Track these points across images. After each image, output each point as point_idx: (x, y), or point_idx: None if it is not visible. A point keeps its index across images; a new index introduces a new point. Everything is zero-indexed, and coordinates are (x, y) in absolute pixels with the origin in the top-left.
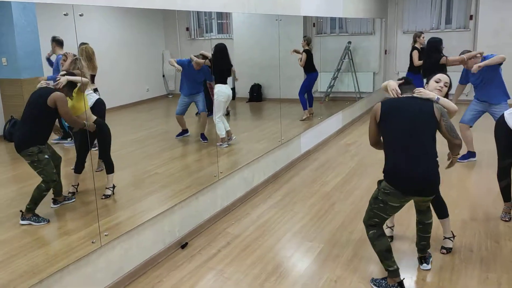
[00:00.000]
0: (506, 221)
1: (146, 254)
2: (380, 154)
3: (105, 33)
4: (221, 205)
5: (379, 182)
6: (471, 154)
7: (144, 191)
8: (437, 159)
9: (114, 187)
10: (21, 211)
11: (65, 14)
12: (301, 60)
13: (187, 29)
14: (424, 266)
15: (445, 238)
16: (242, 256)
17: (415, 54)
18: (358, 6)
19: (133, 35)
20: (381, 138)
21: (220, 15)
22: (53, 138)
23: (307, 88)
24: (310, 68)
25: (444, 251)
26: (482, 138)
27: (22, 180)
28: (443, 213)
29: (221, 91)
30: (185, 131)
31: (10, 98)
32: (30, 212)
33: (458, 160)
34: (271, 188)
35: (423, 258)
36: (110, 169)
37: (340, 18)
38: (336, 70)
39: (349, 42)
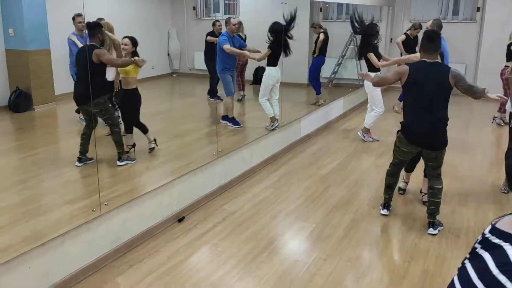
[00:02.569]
0: (504, 193)
1: (144, 225)
2: (375, 144)
3: (113, 9)
4: (218, 183)
5: (398, 131)
6: None
7: (146, 165)
8: (447, 122)
9: (155, 140)
10: (118, 156)
11: None
12: (318, 40)
13: (194, 8)
14: (431, 230)
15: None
16: (237, 231)
17: (402, 37)
18: None
19: (140, 12)
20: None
21: None
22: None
23: (316, 72)
24: (322, 51)
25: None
26: (478, 130)
27: (26, 150)
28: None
29: (272, 75)
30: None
31: (15, 69)
32: (124, 154)
33: None
34: (268, 169)
35: (431, 223)
36: (144, 130)
37: (347, 4)
38: (340, 56)
39: None
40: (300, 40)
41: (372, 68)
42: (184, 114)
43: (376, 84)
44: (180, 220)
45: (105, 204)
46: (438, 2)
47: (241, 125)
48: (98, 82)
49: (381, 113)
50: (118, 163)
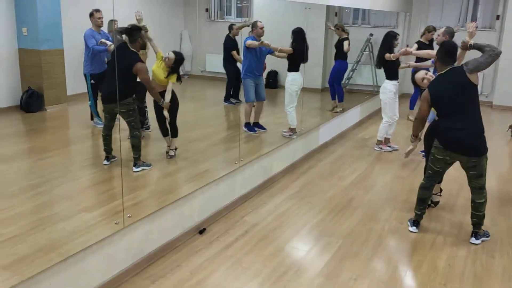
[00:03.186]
0: None
1: (166, 237)
2: (396, 154)
3: (126, 10)
4: (239, 193)
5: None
6: None
7: (163, 172)
8: (482, 126)
9: (176, 148)
10: (134, 161)
11: None
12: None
13: (207, 10)
14: (473, 240)
15: (433, 194)
16: (260, 246)
17: (414, 47)
18: None
19: (152, 13)
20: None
21: None
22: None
23: (337, 77)
24: (341, 55)
25: (432, 205)
26: (499, 140)
27: (38, 152)
28: None
29: (295, 80)
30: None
31: (28, 68)
32: (140, 160)
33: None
34: (288, 178)
35: (474, 232)
36: (175, 133)
37: (363, 9)
38: (355, 62)
39: (371, 34)
40: (315, 44)
41: (390, 74)
42: (198, 118)
43: (419, 122)
44: (201, 232)
45: (128, 217)
46: (457, 9)
47: (257, 132)
48: (132, 82)
49: (390, 122)
50: (134, 169)
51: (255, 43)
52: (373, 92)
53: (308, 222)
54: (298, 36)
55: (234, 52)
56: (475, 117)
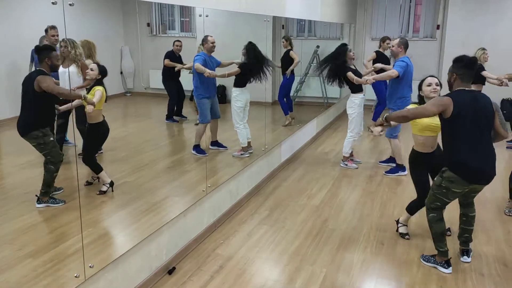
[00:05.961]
0: (509, 215)
1: (132, 283)
2: (359, 167)
3: (60, 26)
4: (207, 222)
5: (443, 171)
6: (400, 167)
7: (117, 203)
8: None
9: (112, 184)
10: (36, 195)
11: (53, 3)
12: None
13: (148, 24)
14: (465, 258)
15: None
16: (240, 283)
17: (372, 55)
18: (333, 10)
19: (89, 29)
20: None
21: (183, 12)
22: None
23: (287, 91)
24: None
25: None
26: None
27: None
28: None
29: (239, 96)
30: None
31: None
32: (46, 196)
33: (385, 173)
34: (255, 201)
35: (465, 250)
36: (96, 170)
37: (309, 21)
38: (303, 75)
39: (318, 46)
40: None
41: (355, 88)
42: (147, 139)
43: (413, 116)
44: (171, 272)
45: (90, 267)
46: (399, 20)
47: (207, 154)
48: (43, 112)
49: (354, 137)
50: (37, 205)
51: (203, 69)
52: (323, 104)
53: (286, 250)
54: (248, 53)
55: (167, 61)
56: (490, 142)
